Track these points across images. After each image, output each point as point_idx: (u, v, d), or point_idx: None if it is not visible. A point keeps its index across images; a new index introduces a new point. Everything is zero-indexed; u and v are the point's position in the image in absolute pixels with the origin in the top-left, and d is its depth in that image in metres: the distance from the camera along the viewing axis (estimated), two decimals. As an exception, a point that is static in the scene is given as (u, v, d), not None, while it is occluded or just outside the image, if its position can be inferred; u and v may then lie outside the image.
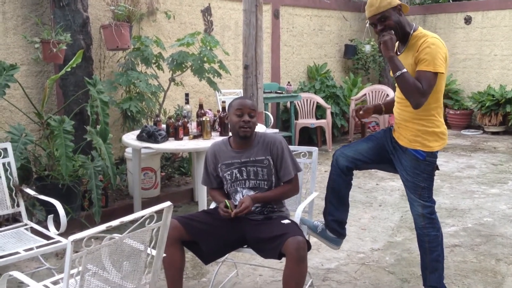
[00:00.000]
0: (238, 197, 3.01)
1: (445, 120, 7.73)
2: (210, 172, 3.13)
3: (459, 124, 9.39)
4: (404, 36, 2.91)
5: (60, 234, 3.18)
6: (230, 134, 3.17)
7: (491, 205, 5.09)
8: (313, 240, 3.31)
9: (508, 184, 5.86)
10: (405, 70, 2.79)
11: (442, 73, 2.78)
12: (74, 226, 4.09)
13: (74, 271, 2.10)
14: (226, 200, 2.92)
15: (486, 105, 8.79)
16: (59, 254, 3.87)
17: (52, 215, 3.35)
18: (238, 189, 3.03)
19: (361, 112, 3.11)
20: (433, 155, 2.95)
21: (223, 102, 4.80)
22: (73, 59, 4.35)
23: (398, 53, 2.98)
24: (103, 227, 1.97)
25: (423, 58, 2.76)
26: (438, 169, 3.07)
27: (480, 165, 6.80)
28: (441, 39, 2.88)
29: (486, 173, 6.38)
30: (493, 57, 9.29)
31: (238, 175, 3.01)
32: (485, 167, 6.66)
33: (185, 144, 4.36)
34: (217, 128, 4.70)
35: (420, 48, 2.78)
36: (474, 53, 9.50)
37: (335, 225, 3.25)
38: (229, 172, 3.03)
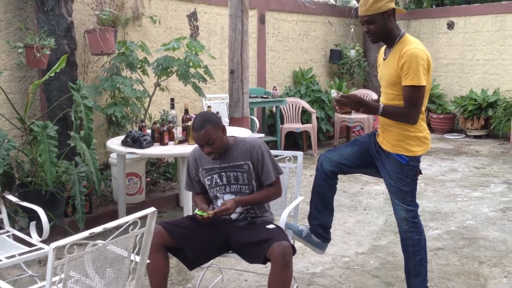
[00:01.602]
0: (219, 203, 3.01)
1: (428, 124, 7.82)
2: (192, 177, 3.13)
3: (442, 128, 9.49)
4: (391, 39, 2.95)
5: (43, 241, 3.15)
6: None
7: (474, 208, 5.15)
8: (298, 244, 3.32)
9: (491, 187, 5.93)
10: (381, 105, 2.89)
11: (425, 85, 2.81)
12: (57, 233, 4.06)
13: (56, 278, 2.08)
14: (196, 210, 2.91)
15: (469, 109, 8.90)
16: (42, 261, 3.84)
17: (35, 222, 3.32)
18: (218, 195, 3.03)
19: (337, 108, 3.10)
20: (416, 159, 2.98)
21: (209, 107, 4.79)
22: (57, 64, 4.32)
23: (384, 57, 3.01)
24: (86, 233, 1.95)
25: (406, 72, 2.79)
26: (421, 173, 3.10)
27: (463, 168, 6.87)
28: (424, 45, 2.92)
29: (469, 176, 6.45)
30: (475, 62, 9.41)
31: (218, 180, 3.01)
32: (468, 171, 6.74)
33: (170, 149, 4.35)
34: (202, 133, 4.68)
35: (403, 58, 2.81)
36: (457, 58, 9.61)
37: (320, 230, 3.26)
38: (209, 177, 3.03)
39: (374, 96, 8.15)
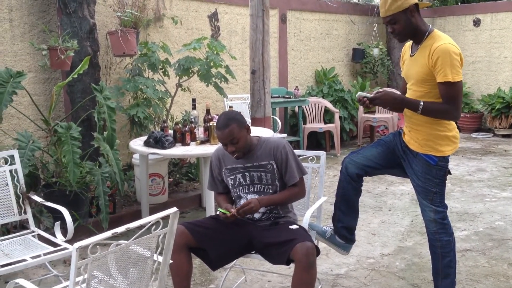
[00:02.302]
0: (242, 202, 2.98)
1: (455, 123, 7.65)
2: (215, 176, 3.11)
3: (469, 127, 9.31)
4: (418, 36, 2.86)
5: (67, 241, 3.16)
6: None
7: (503, 209, 5.02)
8: (322, 245, 3.28)
9: (520, 187, 5.79)
10: (421, 103, 2.77)
11: (461, 80, 2.73)
12: (81, 233, 4.08)
13: (80, 278, 2.08)
14: (219, 209, 2.89)
15: (496, 107, 8.71)
16: (67, 261, 3.86)
17: (59, 222, 3.34)
18: (242, 194, 3.00)
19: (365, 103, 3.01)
20: (445, 159, 2.90)
21: (231, 107, 4.78)
22: (80, 66, 4.36)
23: (411, 53, 2.93)
24: (108, 233, 1.94)
25: (440, 68, 2.70)
26: (450, 173, 3.02)
27: (491, 168, 6.72)
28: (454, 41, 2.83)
29: (497, 176, 6.30)
30: (502, 60, 9.21)
31: (241, 180, 2.99)
32: (496, 170, 6.58)
33: (192, 150, 4.34)
34: (224, 133, 4.67)
35: (435, 54, 2.72)
36: (484, 56, 9.42)
37: (344, 232, 3.21)
38: (232, 177, 3.01)
39: (399, 95, 8.00)
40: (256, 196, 2.95)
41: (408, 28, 2.81)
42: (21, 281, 2.37)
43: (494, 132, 9.06)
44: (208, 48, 5.44)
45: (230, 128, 2.84)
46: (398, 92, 3.16)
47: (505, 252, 3.96)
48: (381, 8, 2.84)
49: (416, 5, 2.81)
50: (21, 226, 3.80)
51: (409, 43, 3.02)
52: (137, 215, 4.63)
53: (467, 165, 6.90)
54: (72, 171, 4.01)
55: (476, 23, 9.44)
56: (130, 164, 5.54)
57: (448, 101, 2.74)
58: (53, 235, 3.29)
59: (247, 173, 2.97)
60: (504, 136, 8.88)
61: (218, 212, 2.90)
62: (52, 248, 3.10)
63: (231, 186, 3.03)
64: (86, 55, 4.62)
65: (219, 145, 3.17)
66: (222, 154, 3.06)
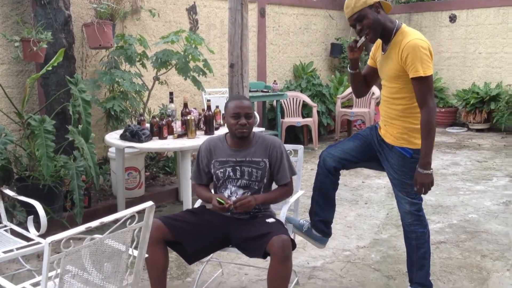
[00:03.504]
0: (227, 193, 2.98)
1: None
2: (201, 168, 3.08)
3: (444, 122, 9.44)
4: (386, 33, 2.88)
5: (40, 236, 3.12)
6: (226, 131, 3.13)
7: (476, 202, 5.11)
8: (298, 238, 3.29)
9: (493, 180, 5.89)
10: (423, 149, 2.78)
11: (431, 74, 2.76)
12: (55, 227, 4.01)
13: (54, 272, 2.05)
14: (217, 197, 2.87)
15: (471, 102, 8.85)
16: (40, 256, 3.80)
17: (33, 216, 3.29)
18: (228, 185, 2.99)
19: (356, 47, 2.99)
20: (420, 152, 2.93)
21: (208, 101, 4.75)
22: (54, 58, 4.28)
23: (382, 52, 2.95)
24: (82, 227, 1.92)
25: (411, 64, 2.73)
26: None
27: (465, 162, 6.83)
28: (424, 36, 2.86)
29: (471, 170, 6.41)
30: (477, 55, 9.35)
31: (231, 173, 2.98)
32: (470, 164, 6.70)
33: (169, 143, 4.31)
34: (202, 127, 4.66)
35: (405, 51, 2.74)
36: (459, 51, 9.55)
37: (321, 225, 3.22)
38: (222, 170, 2.99)
39: (377, 92, 8.09)
40: (241, 190, 2.96)
41: (376, 23, 2.82)
42: (-8, 276, 2.33)
43: (468, 126, 9.21)
44: (186, 41, 5.40)
45: (249, 102, 2.96)
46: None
47: (478, 244, 4.04)
48: (347, 8, 2.85)
49: (379, 3, 2.84)
50: (-6, 220, 3.73)
51: (379, 41, 3.03)
52: (113, 209, 4.59)
53: (442, 159, 7.00)
54: (46, 164, 3.95)
55: (452, 19, 9.55)
56: (106, 157, 5.48)
57: (422, 96, 2.77)
58: (26, 229, 3.24)
59: (238, 167, 2.97)
60: (478, 130, 9.03)
61: (215, 201, 2.86)
62: (25, 243, 3.05)
63: (220, 178, 3.01)
64: (61, 47, 4.54)
65: (208, 137, 3.16)
66: (213, 145, 3.05)
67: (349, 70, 3.11)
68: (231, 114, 2.93)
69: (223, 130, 4.76)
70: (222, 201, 2.84)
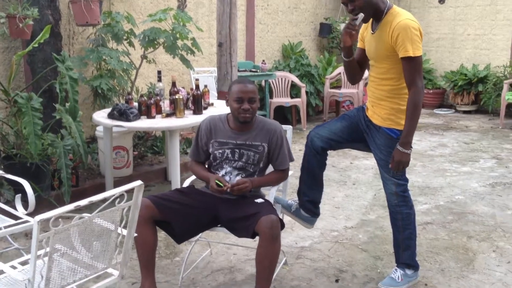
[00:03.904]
0: (221, 173, 2.99)
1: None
2: (200, 146, 3.07)
3: (432, 103, 9.49)
4: (377, 13, 2.87)
5: (28, 214, 3.10)
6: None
7: (463, 183, 5.16)
8: (287, 218, 3.31)
9: (480, 162, 5.95)
10: (405, 128, 2.82)
11: (421, 55, 2.76)
12: (43, 206, 4.00)
13: (42, 251, 2.04)
14: (216, 178, 2.87)
15: (459, 84, 8.89)
16: (28, 234, 3.79)
17: (20, 194, 3.26)
18: (224, 166, 3.00)
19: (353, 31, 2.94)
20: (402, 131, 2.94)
21: (197, 80, 4.71)
22: (41, 35, 4.21)
23: (372, 31, 2.94)
24: (71, 206, 1.91)
25: (401, 44, 2.73)
26: (411, 147, 3.07)
27: (452, 143, 6.89)
28: (414, 17, 2.86)
29: (458, 151, 6.47)
30: (466, 37, 9.37)
31: (229, 155, 2.98)
32: (457, 146, 6.75)
33: (157, 123, 4.28)
34: (190, 106, 4.62)
35: (395, 31, 2.75)
36: (448, 33, 9.56)
37: (309, 205, 3.24)
38: (220, 151, 2.99)
39: (366, 72, 8.04)
40: (236, 171, 2.97)
41: (368, 4, 2.81)
42: (-20, 254, 2.32)
43: (456, 108, 9.26)
44: (174, 20, 5.33)
45: (254, 86, 2.93)
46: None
47: (465, 225, 4.09)
48: None
49: None
50: (-20, 199, 3.70)
51: (369, 22, 3.02)
52: (101, 189, 4.56)
53: (429, 140, 7.05)
54: (33, 143, 3.91)
55: (441, 0, 9.53)
56: (94, 136, 5.44)
57: (410, 75, 2.77)
58: (14, 208, 3.21)
59: (237, 150, 2.97)
60: (465, 112, 9.10)
61: (211, 183, 2.87)
62: (13, 221, 3.03)
63: (216, 158, 3.01)
64: (47, 24, 4.46)
65: (209, 115, 3.13)
66: (214, 125, 3.03)
67: (344, 58, 3.07)
68: (234, 98, 2.90)
69: (212, 109, 4.74)
70: (221, 184, 2.84)
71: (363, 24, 3.07)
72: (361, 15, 2.83)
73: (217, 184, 2.85)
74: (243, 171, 2.98)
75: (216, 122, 3.04)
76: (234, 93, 2.92)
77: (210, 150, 3.03)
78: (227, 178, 2.96)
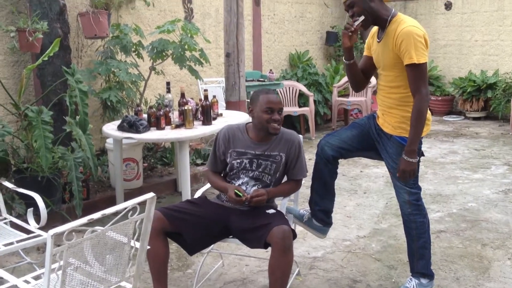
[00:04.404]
0: (238, 183, 2.96)
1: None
2: (218, 156, 3.04)
3: (441, 110, 9.44)
4: (381, 21, 2.86)
5: (40, 228, 3.10)
6: (248, 121, 3.12)
7: (475, 190, 5.12)
8: (299, 228, 3.28)
9: (491, 169, 5.90)
10: (410, 135, 2.80)
11: (426, 62, 2.75)
12: (55, 219, 4.00)
13: (56, 265, 2.03)
14: (235, 189, 2.86)
15: (468, 90, 8.84)
16: (41, 248, 3.79)
17: (32, 208, 3.26)
18: (241, 176, 2.98)
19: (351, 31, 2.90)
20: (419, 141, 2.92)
21: (205, 90, 4.72)
22: (50, 48, 4.22)
23: (378, 39, 2.93)
24: (84, 220, 1.90)
25: (405, 51, 2.72)
26: (423, 155, 3.06)
27: (462, 150, 6.83)
28: (420, 24, 2.84)
29: (469, 158, 6.42)
30: (473, 43, 9.33)
31: (247, 165, 2.96)
32: (468, 153, 6.70)
33: (167, 134, 4.28)
34: (199, 117, 4.62)
35: (399, 38, 2.73)
36: (455, 39, 9.53)
37: (321, 215, 3.21)
38: (239, 161, 2.96)
39: (374, 80, 8.03)
40: (252, 181, 2.95)
41: (366, 11, 2.81)
42: (-7, 269, 2.31)
43: (465, 114, 9.21)
44: (182, 31, 5.35)
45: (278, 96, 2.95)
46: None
47: (478, 233, 4.04)
48: None
49: None
50: (-8, 213, 3.69)
51: (375, 29, 3.02)
52: (112, 201, 4.57)
53: (440, 148, 7.00)
54: (44, 156, 3.92)
55: (448, 6, 9.52)
56: (103, 149, 5.45)
57: (415, 83, 2.76)
58: (26, 222, 3.21)
59: (255, 160, 2.95)
60: (475, 118, 9.04)
61: (229, 193, 2.86)
62: (25, 235, 3.03)
63: (234, 168, 2.98)
64: (56, 37, 4.48)
65: (226, 125, 3.11)
66: (232, 134, 3.01)
67: (344, 61, 3.06)
68: (263, 109, 2.86)
69: (221, 120, 4.73)
70: (240, 194, 2.83)
71: (370, 32, 3.06)
72: (361, 18, 2.82)
73: (236, 194, 2.83)
74: (260, 182, 2.96)
75: (234, 132, 3.02)
76: (262, 103, 2.88)
77: (228, 159, 2.99)
78: (243, 187, 2.94)
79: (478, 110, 8.95)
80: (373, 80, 8.06)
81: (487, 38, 9.14)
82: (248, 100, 6.73)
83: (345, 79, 8.41)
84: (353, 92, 8.46)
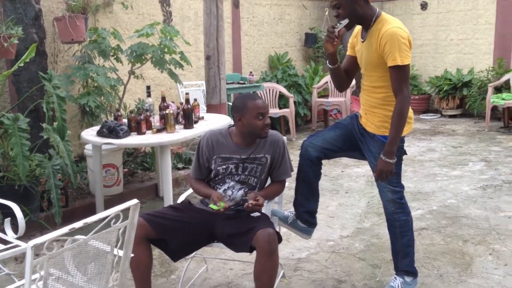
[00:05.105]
0: (224, 187, 2.92)
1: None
2: (202, 163, 2.98)
3: (418, 109, 9.54)
4: (366, 21, 2.87)
5: (19, 238, 3.02)
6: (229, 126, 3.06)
7: (454, 187, 5.17)
8: (282, 230, 3.28)
9: (469, 165, 5.98)
10: (391, 134, 2.80)
11: (409, 64, 2.76)
12: (33, 228, 3.93)
13: (36, 276, 1.98)
14: (210, 205, 2.78)
15: (444, 89, 8.96)
16: (19, 258, 3.70)
17: (9, 218, 3.18)
18: (227, 180, 2.93)
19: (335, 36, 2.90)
20: (401, 140, 2.93)
21: (187, 94, 4.68)
22: (26, 54, 4.14)
23: (362, 39, 2.94)
24: (65, 229, 1.85)
25: (389, 53, 2.73)
26: (406, 153, 3.07)
27: (440, 148, 6.91)
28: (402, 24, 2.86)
29: (447, 155, 6.49)
30: (449, 42, 9.46)
31: (233, 170, 2.91)
32: (445, 150, 6.78)
33: (148, 139, 4.23)
34: (180, 120, 4.59)
35: (383, 39, 2.75)
36: (431, 39, 9.65)
37: (306, 216, 3.21)
38: (224, 166, 2.92)
39: (353, 81, 8.08)
40: (238, 185, 2.91)
41: (351, 13, 2.81)
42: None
43: (442, 113, 9.33)
44: (161, 34, 5.31)
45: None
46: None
47: (459, 229, 4.09)
48: None
49: None
50: (-32, 224, 3.61)
51: (358, 28, 3.02)
52: (91, 208, 4.50)
53: (418, 146, 7.07)
54: (21, 164, 3.84)
55: (423, 6, 9.64)
56: (82, 155, 5.36)
57: (398, 84, 2.77)
58: (3, 232, 3.13)
59: (241, 164, 2.91)
60: (451, 116, 9.16)
61: (208, 206, 2.81)
62: (2, 246, 2.95)
63: (219, 173, 2.93)
64: (32, 43, 4.40)
65: (208, 131, 3.06)
66: (215, 140, 2.95)
67: (329, 65, 3.06)
68: (255, 115, 2.82)
69: (202, 123, 4.70)
70: (217, 207, 2.73)
71: (353, 32, 3.07)
72: (344, 21, 2.83)
73: (213, 209, 2.76)
74: (246, 185, 2.93)
75: (217, 137, 2.96)
76: (253, 111, 2.83)
77: (212, 166, 2.94)
78: (229, 192, 2.91)
79: (454, 108, 9.08)
80: (353, 81, 8.12)
81: (462, 37, 9.28)
82: (229, 104, 6.73)
83: (324, 80, 8.46)
84: (333, 92, 8.51)
